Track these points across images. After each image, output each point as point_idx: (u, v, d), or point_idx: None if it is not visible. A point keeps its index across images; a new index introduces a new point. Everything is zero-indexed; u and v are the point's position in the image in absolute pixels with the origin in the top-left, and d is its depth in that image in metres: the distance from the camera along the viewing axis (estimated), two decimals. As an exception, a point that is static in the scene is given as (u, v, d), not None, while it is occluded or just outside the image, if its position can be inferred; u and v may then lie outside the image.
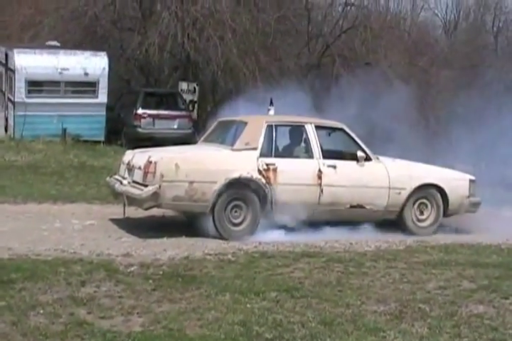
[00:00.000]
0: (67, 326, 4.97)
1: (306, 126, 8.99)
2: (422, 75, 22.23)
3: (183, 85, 20.63)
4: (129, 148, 18.18)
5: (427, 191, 9.33)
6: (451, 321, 5.45)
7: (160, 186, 8.04)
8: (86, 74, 17.82)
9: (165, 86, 21.49)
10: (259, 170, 8.46)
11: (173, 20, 19.55)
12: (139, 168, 8.37)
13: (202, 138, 9.75)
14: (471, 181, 9.63)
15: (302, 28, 23.03)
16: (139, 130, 18.25)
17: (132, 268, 6.48)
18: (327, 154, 8.93)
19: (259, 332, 5.04)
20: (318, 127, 9.03)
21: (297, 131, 9.12)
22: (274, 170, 8.52)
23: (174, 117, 18.73)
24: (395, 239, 8.51)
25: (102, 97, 17.97)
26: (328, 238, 8.27)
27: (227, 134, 9.32)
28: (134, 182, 8.46)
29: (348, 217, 8.93)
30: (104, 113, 18.03)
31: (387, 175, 9.11)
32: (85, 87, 17.94)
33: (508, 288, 6.34)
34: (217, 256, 7.13)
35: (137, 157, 8.68)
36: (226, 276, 6.38)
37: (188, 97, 20.26)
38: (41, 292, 5.65)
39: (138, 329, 5.02)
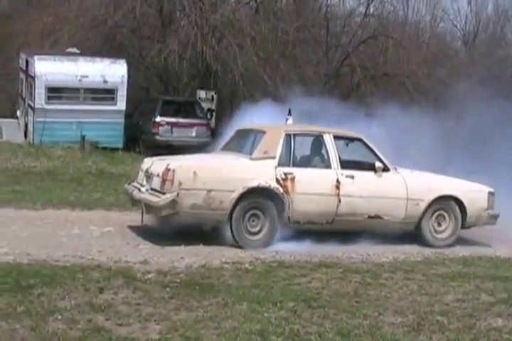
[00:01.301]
0: (85, 332, 4.99)
1: (324, 135, 8.99)
2: (441, 87, 22.15)
3: (202, 93, 20.70)
4: (147, 156, 18.31)
5: (445, 203, 9.27)
6: (469, 334, 5.42)
7: (178, 194, 8.04)
8: (105, 81, 17.95)
9: (183, 94, 21.59)
10: (277, 180, 8.45)
11: (193, 29, 19.62)
12: (157, 175, 8.37)
13: (220, 147, 9.73)
14: (489, 193, 9.55)
15: (321, 38, 23.07)
16: (157, 138, 18.32)
17: (150, 276, 6.50)
18: (345, 164, 8.92)
19: (276, 342, 5.03)
20: (336, 137, 9.01)
21: (315, 141, 9.12)
22: (292, 179, 8.50)
23: (192, 125, 18.80)
24: (412, 251, 8.48)
25: (121, 104, 18.07)
26: (346, 248, 8.26)
27: (245, 143, 9.31)
28: (152, 189, 8.46)
29: (366, 227, 8.88)
30: (123, 120, 18.12)
31: (405, 186, 9.07)
32: (104, 94, 18.07)
33: (527, 301, 6.31)
34: (235, 265, 7.13)
35: (156, 164, 8.68)
36: (243, 285, 6.38)
37: (206, 106, 20.33)
38: (59, 298, 5.67)
39: (155, 336, 5.03)
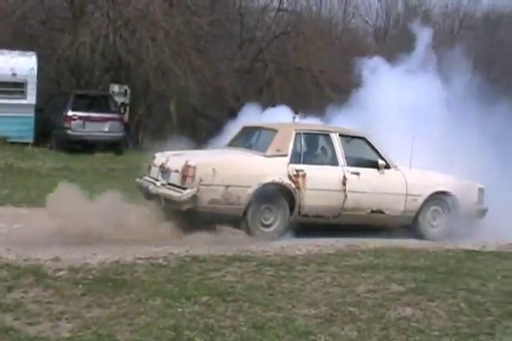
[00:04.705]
0: (-7, 333, 4.85)
1: (331, 134, 9.48)
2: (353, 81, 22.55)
3: (115, 87, 20.44)
4: (58, 151, 17.97)
5: (440, 198, 9.85)
6: (379, 324, 5.54)
7: (198, 189, 8.45)
8: (14, 74, 17.49)
9: (96, 88, 21.24)
10: (289, 176, 8.95)
11: (105, 21, 19.34)
12: (176, 171, 8.75)
13: (226, 143, 10.16)
14: (479, 189, 10.17)
15: (235, 32, 23.13)
16: (69, 132, 17.99)
17: (61, 273, 6.37)
18: (350, 162, 9.41)
19: (190, 336, 5.01)
20: (342, 136, 9.51)
21: (323, 139, 9.63)
22: (303, 176, 9.01)
23: (105, 120, 18.54)
24: (326, 243, 8.61)
25: (31, 98, 17.64)
26: (261, 242, 8.32)
27: (256, 140, 9.92)
28: (169, 184, 8.83)
29: (368, 221, 9.48)
30: (33, 114, 17.71)
31: (404, 183, 9.63)
32: (13, 87, 17.59)
33: (434, 290, 6.49)
34: (148, 261, 7.06)
35: (172, 160, 9.04)
36: (157, 281, 6.33)
37: (119, 100, 20.08)
38: (-34, 298, 5.50)
39: (66, 335, 4.93)
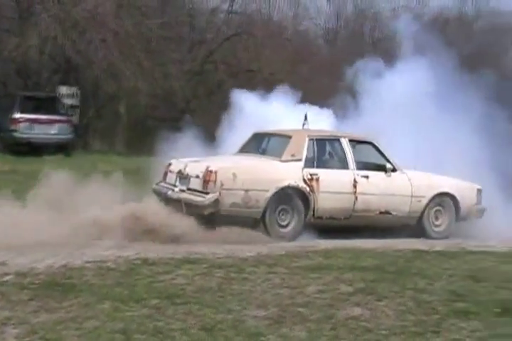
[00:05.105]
0: None
1: (341, 139, 9.94)
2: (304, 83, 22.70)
3: (63, 89, 20.21)
4: (5, 154, 17.65)
5: (442, 199, 10.41)
6: (329, 324, 5.57)
7: (220, 193, 8.83)
8: (-42, 75, 17.13)
9: (44, 90, 20.95)
10: (304, 180, 9.38)
11: (53, 22, 19.09)
12: (197, 176, 9.13)
13: (238, 149, 10.52)
14: (478, 190, 10.69)
15: (185, 34, 23.07)
16: (16, 135, 17.72)
17: (7, 278, 6.26)
18: (359, 165, 9.90)
19: (139, 339, 4.97)
20: (351, 140, 9.99)
21: (334, 144, 10.09)
22: (317, 179, 9.45)
23: (53, 122, 18.31)
24: (276, 245, 8.65)
25: (-24, 100, 17.31)
26: (211, 244, 8.32)
27: (269, 146, 10.35)
28: (189, 189, 9.20)
29: (377, 222, 9.97)
30: (-21, 117, 17.37)
31: (410, 185, 10.16)
32: (-43, 89, 17.26)
33: (383, 290, 6.56)
34: (97, 264, 6.99)
35: (192, 166, 9.42)
36: (106, 284, 6.27)
37: (68, 102, 19.85)
38: None
39: None
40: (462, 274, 7.40)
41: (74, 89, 20.23)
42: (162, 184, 9.87)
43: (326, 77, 22.86)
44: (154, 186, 9.98)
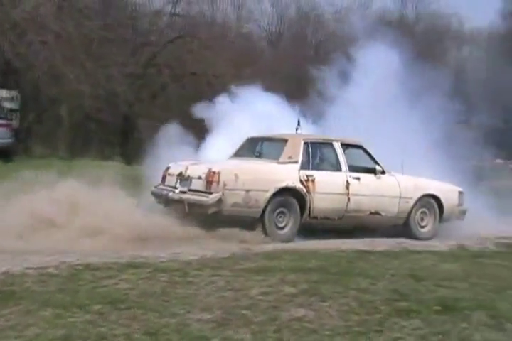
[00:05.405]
0: None
1: (333, 143, 10.42)
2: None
3: (3, 93, 19.82)
4: None
5: (427, 200, 10.94)
6: (273, 326, 5.58)
7: (223, 193, 9.19)
8: None
9: (-17, 93, 20.52)
10: (300, 181, 9.80)
11: (-9, 24, 18.74)
12: (199, 177, 9.51)
13: (232, 153, 10.91)
14: (459, 192, 11.26)
15: (129, 37, 22.89)
16: (-46, 139, 17.30)
17: None
18: (351, 167, 10.36)
19: (82, 346, 4.93)
20: (342, 144, 10.46)
21: (327, 148, 10.50)
22: (313, 180, 9.88)
23: (-7, 126, 17.93)
24: (220, 248, 8.64)
25: None
26: (155, 248, 8.25)
27: (265, 150, 10.77)
28: (191, 190, 9.58)
29: (367, 222, 10.46)
30: None
31: (398, 187, 10.67)
32: None
33: (326, 291, 6.61)
34: (38, 270, 6.87)
35: (193, 168, 9.82)
36: (48, 290, 6.17)
37: (7, 105, 19.49)
38: None
39: (-50, 350, 4.75)
40: (404, 273, 7.52)
41: (14, 93, 19.87)
42: (161, 186, 10.23)
43: (270, 79, 22.94)
44: (153, 189, 10.34)
